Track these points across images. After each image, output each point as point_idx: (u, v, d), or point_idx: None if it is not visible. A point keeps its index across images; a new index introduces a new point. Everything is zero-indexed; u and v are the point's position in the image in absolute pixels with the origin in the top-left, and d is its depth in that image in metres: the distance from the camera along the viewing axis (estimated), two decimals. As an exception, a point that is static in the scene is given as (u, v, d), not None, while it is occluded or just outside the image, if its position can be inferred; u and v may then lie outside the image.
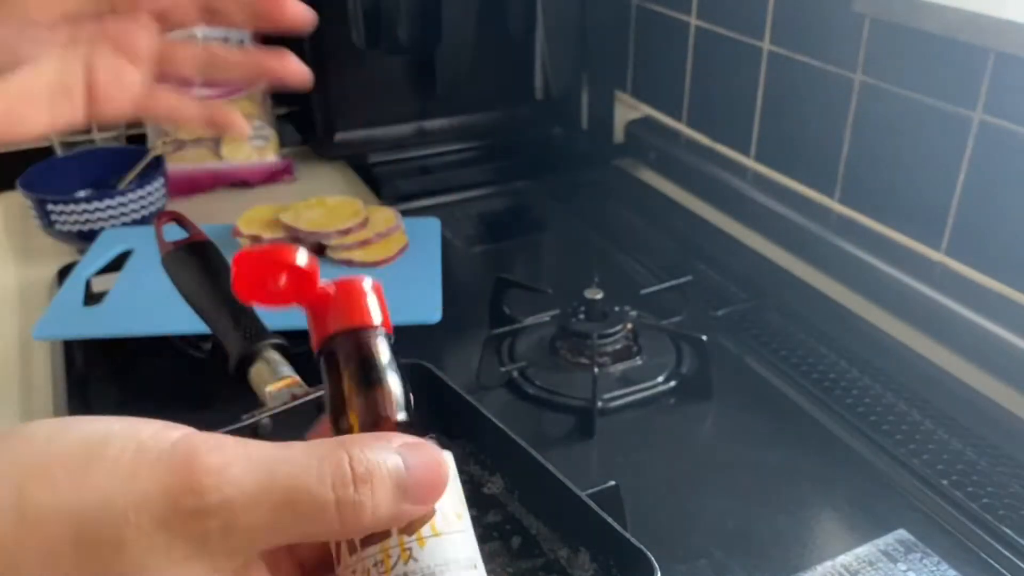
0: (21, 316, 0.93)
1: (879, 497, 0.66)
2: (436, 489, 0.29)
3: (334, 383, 0.31)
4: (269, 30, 0.51)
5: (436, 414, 0.70)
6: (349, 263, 0.91)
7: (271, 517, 0.27)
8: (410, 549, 0.28)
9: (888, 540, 0.62)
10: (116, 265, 0.90)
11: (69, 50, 0.49)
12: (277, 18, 0.50)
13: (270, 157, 1.21)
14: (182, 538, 0.26)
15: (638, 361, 0.80)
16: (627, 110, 1.26)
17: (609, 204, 1.16)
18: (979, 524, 0.63)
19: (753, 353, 0.83)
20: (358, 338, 0.31)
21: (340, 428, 0.31)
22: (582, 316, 0.81)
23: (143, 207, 1.02)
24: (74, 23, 0.49)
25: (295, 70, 0.53)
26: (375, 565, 0.28)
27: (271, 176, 1.21)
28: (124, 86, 0.51)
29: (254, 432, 0.66)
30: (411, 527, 0.29)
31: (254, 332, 0.63)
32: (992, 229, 0.78)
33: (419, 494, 0.28)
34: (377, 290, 0.33)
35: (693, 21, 1.09)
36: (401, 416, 0.31)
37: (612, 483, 0.60)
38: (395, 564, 0.28)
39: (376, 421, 0.31)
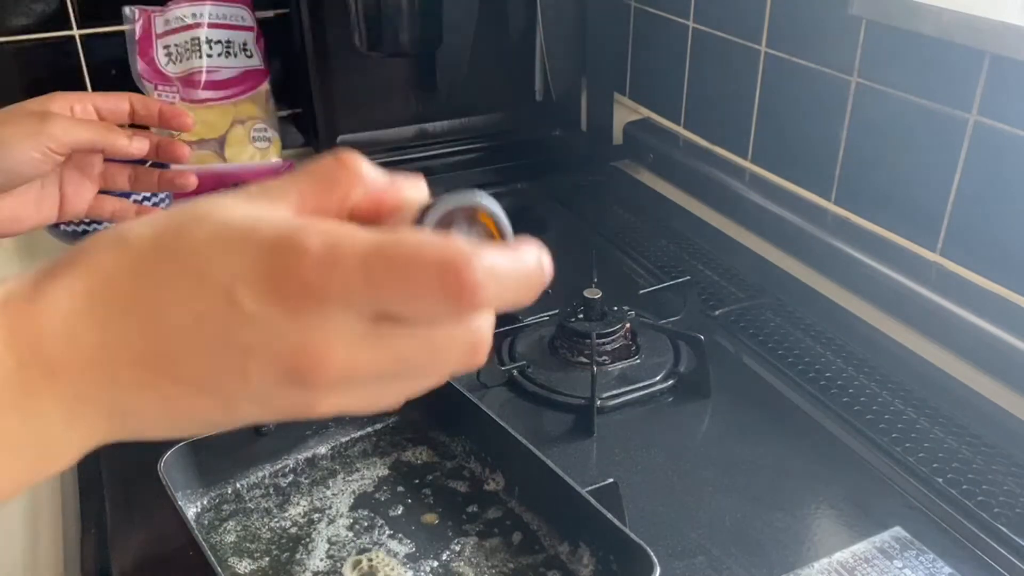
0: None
1: (875, 495, 0.67)
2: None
3: None
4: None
5: (438, 412, 0.71)
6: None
7: None
8: None
9: (884, 537, 0.63)
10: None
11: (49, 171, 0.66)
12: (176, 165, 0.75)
13: (273, 159, 1.21)
14: None
15: (637, 360, 0.81)
16: (626, 112, 1.27)
17: (608, 205, 1.17)
18: (974, 521, 0.64)
19: (750, 352, 0.84)
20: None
21: None
22: (581, 316, 0.82)
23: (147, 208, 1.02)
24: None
25: (190, 183, 0.74)
26: None
27: (274, 177, 1.21)
28: (82, 196, 0.71)
29: (256, 430, 0.67)
30: None
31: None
32: (987, 230, 0.79)
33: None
34: None
35: (691, 24, 1.10)
36: None
37: (611, 480, 0.61)
38: None
39: None
